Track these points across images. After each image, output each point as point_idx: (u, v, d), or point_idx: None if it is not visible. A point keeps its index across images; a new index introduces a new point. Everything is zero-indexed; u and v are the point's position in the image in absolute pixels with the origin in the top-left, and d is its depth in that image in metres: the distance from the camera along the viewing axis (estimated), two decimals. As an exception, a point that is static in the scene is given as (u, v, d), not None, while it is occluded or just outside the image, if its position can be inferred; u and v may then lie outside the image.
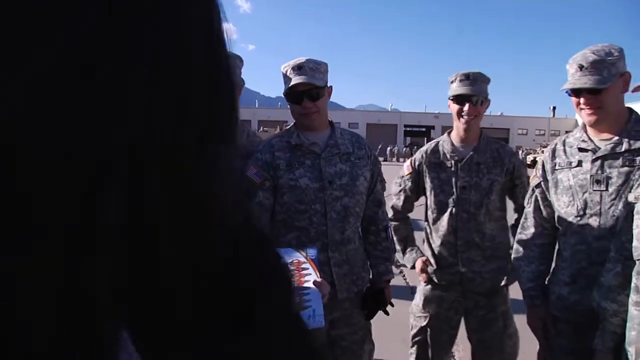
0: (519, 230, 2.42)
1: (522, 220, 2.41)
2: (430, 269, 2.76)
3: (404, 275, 5.87)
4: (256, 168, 2.29)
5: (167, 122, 0.32)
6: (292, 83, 2.27)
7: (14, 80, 0.28)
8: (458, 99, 2.66)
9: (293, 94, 2.30)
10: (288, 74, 2.31)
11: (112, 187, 0.30)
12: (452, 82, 2.71)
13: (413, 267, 2.85)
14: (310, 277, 1.48)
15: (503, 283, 2.68)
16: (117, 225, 0.30)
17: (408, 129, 70.17)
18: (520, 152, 34.33)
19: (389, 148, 48.73)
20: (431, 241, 2.78)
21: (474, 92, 2.61)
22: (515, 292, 2.74)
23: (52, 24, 0.29)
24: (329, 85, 2.38)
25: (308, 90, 2.27)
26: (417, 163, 2.82)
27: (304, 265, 1.54)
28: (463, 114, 2.64)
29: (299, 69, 2.28)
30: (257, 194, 2.27)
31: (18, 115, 0.28)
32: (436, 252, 2.75)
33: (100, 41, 0.29)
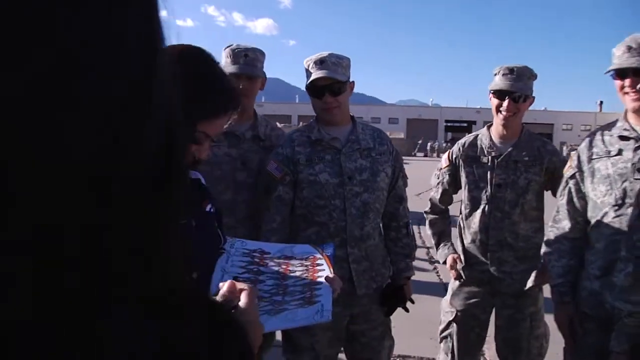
0: (550, 223, 2.33)
1: (554, 213, 2.32)
2: (459, 266, 2.73)
3: (437, 272, 5.80)
4: (276, 162, 2.31)
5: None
6: (313, 77, 2.27)
7: (14, 79, 0.30)
8: (498, 94, 2.58)
9: (314, 88, 2.30)
10: (310, 68, 2.31)
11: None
12: (495, 74, 2.64)
13: (445, 262, 2.83)
14: (323, 273, 1.49)
15: (529, 285, 2.59)
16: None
17: (449, 124, 69.19)
18: (564, 147, 33.37)
19: (429, 143, 48.16)
20: (463, 237, 2.74)
21: (516, 88, 2.53)
22: (546, 291, 2.68)
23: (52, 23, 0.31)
24: (351, 80, 2.37)
25: (330, 85, 2.27)
26: (454, 156, 2.79)
27: (318, 261, 1.55)
28: (501, 109, 2.57)
29: (320, 63, 2.28)
30: (277, 188, 2.29)
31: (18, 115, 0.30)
32: (467, 249, 2.71)
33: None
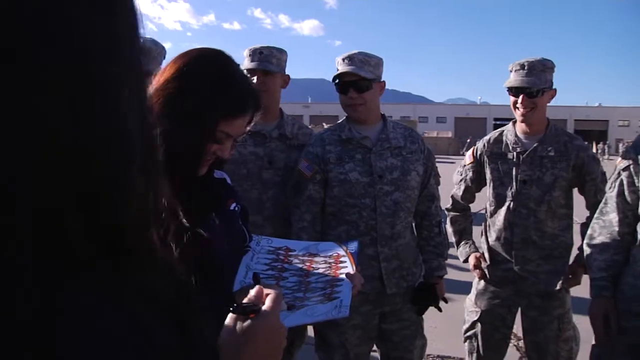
0: (596, 215, 2.23)
1: (601, 205, 2.22)
2: (483, 265, 2.68)
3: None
4: (307, 161, 2.33)
5: None
6: (338, 72, 2.29)
7: None
8: (513, 91, 2.53)
9: (340, 84, 2.32)
10: (338, 64, 2.34)
11: None
12: (510, 71, 2.59)
13: (465, 261, 2.78)
14: (345, 270, 1.50)
15: (558, 287, 2.53)
16: None
17: (498, 122, 67.51)
18: (620, 145, 31.98)
19: (477, 142, 47.09)
20: (488, 235, 2.69)
21: (528, 83, 2.47)
22: (576, 290, 2.60)
23: None
24: (381, 80, 2.37)
25: (355, 81, 2.28)
26: (478, 152, 2.74)
27: (342, 259, 1.56)
28: (518, 106, 2.51)
29: (349, 59, 2.30)
30: (307, 187, 2.32)
31: None
32: (491, 247, 2.65)
33: None
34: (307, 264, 1.51)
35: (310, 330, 2.52)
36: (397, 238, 2.32)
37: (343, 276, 1.45)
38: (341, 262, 1.54)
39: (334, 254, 1.59)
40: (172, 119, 1.10)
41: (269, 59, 2.50)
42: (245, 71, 2.48)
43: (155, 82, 1.20)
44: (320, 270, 1.48)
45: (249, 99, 1.28)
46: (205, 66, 1.25)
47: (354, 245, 1.64)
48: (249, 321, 0.77)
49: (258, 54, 2.49)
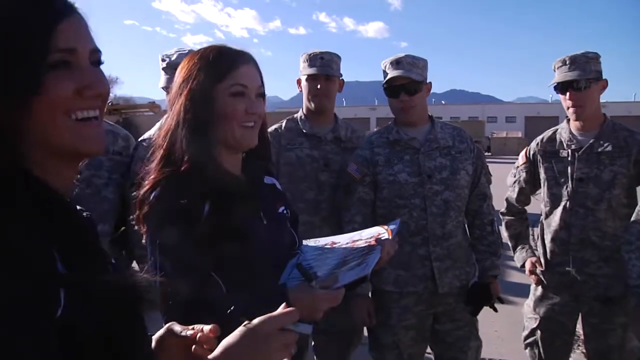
0: (633, 218, 2.14)
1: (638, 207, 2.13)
2: (538, 270, 2.58)
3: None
4: (356, 164, 2.39)
5: None
6: (389, 76, 2.33)
7: None
8: (560, 88, 2.46)
9: (390, 88, 2.36)
10: (386, 69, 2.37)
11: None
12: (554, 69, 2.52)
13: (523, 266, 2.69)
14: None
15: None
16: None
17: (571, 121, 64.40)
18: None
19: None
20: (545, 237, 2.59)
21: (572, 76, 2.39)
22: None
23: None
24: (428, 81, 2.39)
25: (405, 85, 2.31)
26: (531, 152, 2.67)
27: (381, 236, 1.57)
28: (567, 103, 2.44)
29: (397, 63, 2.33)
30: (357, 189, 2.37)
31: None
32: (547, 249, 2.56)
33: None
34: (350, 245, 1.54)
35: (366, 331, 2.56)
36: (449, 237, 2.32)
37: (377, 247, 1.45)
38: (379, 239, 1.55)
39: (375, 234, 1.59)
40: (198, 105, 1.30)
41: (330, 64, 2.58)
42: (305, 78, 2.58)
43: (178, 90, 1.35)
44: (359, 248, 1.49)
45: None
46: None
47: (395, 223, 1.65)
48: (240, 328, 0.86)
49: (319, 59, 2.57)
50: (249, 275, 1.28)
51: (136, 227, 1.32)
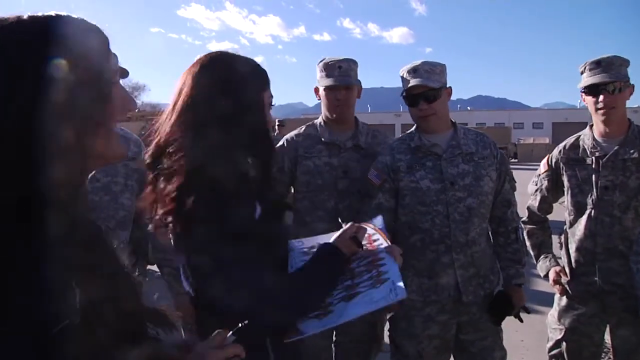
0: None
1: None
2: (564, 280, 2.51)
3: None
4: (376, 170, 2.36)
5: None
6: (407, 86, 2.30)
7: None
8: (591, 90, 2.39)
9: (409, 97, 2.33)
10: (405, 77, 2.34)
11: None
12: (582, 72, 2.45)
13: (546, 276, 2.62)
14: (381, 246, 1.48)
15: None
16: None
17: (601, 126, 63.16)
18: None
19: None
20: (569, 246, 2.52)
21: (610, 78, 2.32)
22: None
23: None
24: (447, 86, 2.35)
25: (424, 93, 2.28)
26: (553, 160, 2.60)
27: (374, 237, 1.54)
28: (598, 105, 2.37)
29: (414, 71, 2.30)
30: (376, 195, 2.34)
31: None
32: (572, 259, 2.49)
33: None
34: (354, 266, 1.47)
35: (386, 337, 2.53)
36: (472, 245, 2.27)
37: (383, 254, 1.42)
38: (374, 240, 1.52)
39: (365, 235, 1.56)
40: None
41: (348, 72, 2.55)
42: (322, 88, 2.55)
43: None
44: (359, 254, 1.44)
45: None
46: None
47: (378, 221, 1.61)
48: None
49: (337, 69, 2.53)
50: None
51: (154, 230, 1.30)
